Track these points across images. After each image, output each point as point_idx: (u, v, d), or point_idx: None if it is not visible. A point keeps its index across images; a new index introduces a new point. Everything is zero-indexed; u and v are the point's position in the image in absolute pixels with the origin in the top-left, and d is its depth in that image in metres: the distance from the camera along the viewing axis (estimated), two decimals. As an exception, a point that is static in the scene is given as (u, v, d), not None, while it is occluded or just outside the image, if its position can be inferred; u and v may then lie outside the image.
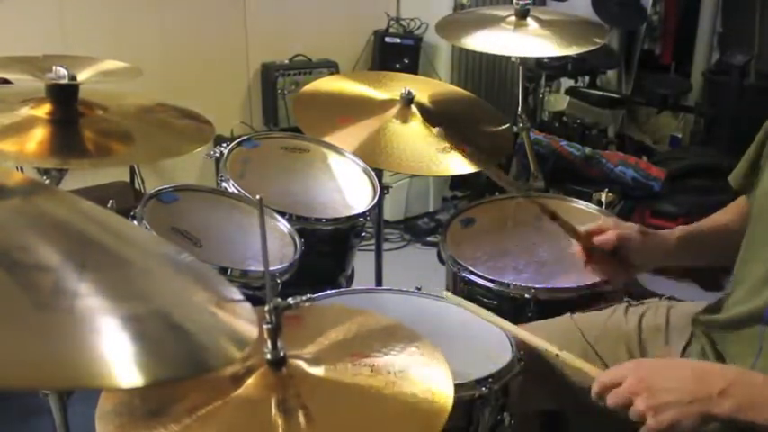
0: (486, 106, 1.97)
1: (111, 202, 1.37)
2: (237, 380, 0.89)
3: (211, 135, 1.44)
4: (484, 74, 4.08)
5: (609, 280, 1.41)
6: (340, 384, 0.91)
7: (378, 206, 1.81)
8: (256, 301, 0.85)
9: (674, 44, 4.47)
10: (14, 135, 1.24)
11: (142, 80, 1.51)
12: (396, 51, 3.75)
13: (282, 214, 1.57)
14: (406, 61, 3.73)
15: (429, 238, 3.54)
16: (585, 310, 1.41)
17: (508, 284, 1.50)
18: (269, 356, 0.88)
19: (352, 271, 1.82)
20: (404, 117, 1.73)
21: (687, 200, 2.95)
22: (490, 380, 1.12)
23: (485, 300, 1.50)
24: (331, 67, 3.54)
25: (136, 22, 3.09)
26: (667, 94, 4.13)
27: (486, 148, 1.77)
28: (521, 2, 1.91)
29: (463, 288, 1.56)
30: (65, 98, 1.31)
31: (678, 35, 4.45)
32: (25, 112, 1.29)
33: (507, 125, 1.87)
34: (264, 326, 0.87)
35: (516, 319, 1.40)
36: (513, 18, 1.92)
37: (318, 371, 0.91)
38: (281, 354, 0.89)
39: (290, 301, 0.91)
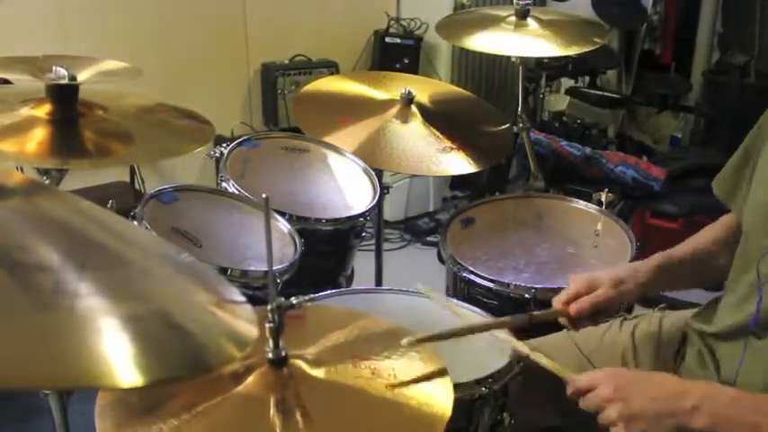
0: (486, 106, 1.97)
1: (111, 202, 1.37)
2: (237, 378, 0.89)
3: (211, 135, 1.44)
4: (484, 74, 4.08)
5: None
6: (340, 386, 0.91)
7: (378, 206, 1.81)
8: (256, 301, 0.85)
9: (674, 44, 4.47)
10: (14, 135, 1.24)
11: (142, 80, 1.51)
12: (396, 51, 3.75)
13: (282, 214, 1.57)
14: (406, 61, 3.73)
15: (429, 238, 3.54)
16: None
17: (508, 284, 1.50)
18: (270, 355, 0.88)
19: (352, 271, 1.82)
20: (404, 117, 1.73)
21: (687, 200, 2.95)
22: (490, 380, 1.12)
23: (485, 300, 1.50)
24: (331, 67, 3.54)
25: (136, 22, 3.09)
26: (667, 94, 4.13)
27: (486, 148, 1.77)
28: (521, 2, 1.91)
29: (463, 288, 1.56)
30: (65, 98, 1.31)
31: (678, 35, 4.45)
32: (25, 112, 1.29)
33: (507, 125, 1.87)
34: (266, 325, 0.87)
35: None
36: (513, 18, 1.92)
37: (319, 372, 0.91)
38: (283, 353, 0.89)
39: (293, 300, 0.91)
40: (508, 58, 2.12)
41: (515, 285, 1.50)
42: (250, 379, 0.88)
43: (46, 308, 0.60)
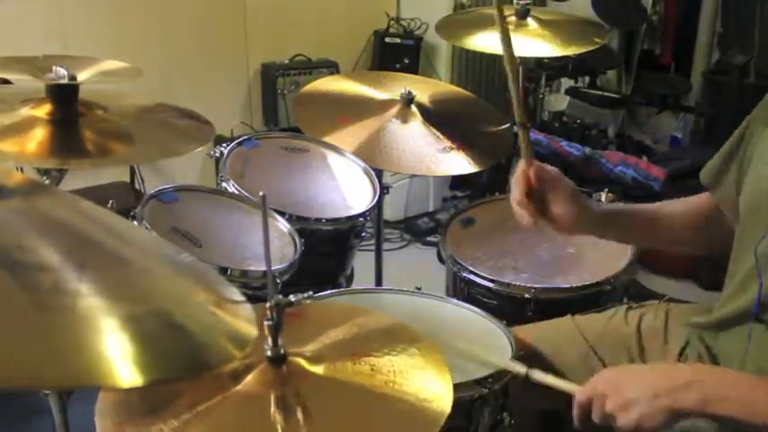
0: (486, 106, 1.97)
1: (111, 202, 1.37)
2: (237, 376, 0.89)
3: (211, 135, 1.44)
4: (484, 74, 4.08)
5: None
6: (340, 383, 0.91)
7: (378, 206, 1.81)
8: (256, 300, 0.85)
9: (674, 44, 4.46)
10: (15, 135, 1.24)
11: (142, 80, 1.51)
12: (396, 51, 3.75)
13: (282, 214, 1.57)
14: (406, 61, 3.73)
15: (429, 238, 3.54)
16: (586, 312, 1.41)
17: (508, 284, 1.50)
18: (269, 353, 0.88)
19: (352, 271, 1.82)
20: (404, 117, 1.73)
21: (687, 200, 2.95)
22: (490, 380, 1.12)
23: (485, 300, 1.50)
24: (331, 67, 3.54)
25: (136, 22, 3.09)
26: (667, 94, 4.13)
27: (486, 148, 1.77)
28: (521, 2, 1.91)
29: (463, 288, 1.57)
30: (65, 98, 1.31)
31: (678, 35, 4.45)
32: (25, 112, 1.29)
33: (507, 125, 1.87)
34: (265, 323, 0.87)
35: (516, 319, 1.41)
36: (513, 18, 1.93)
37: (318, 369, 0.91)
38: (282, 351, 0.89)
39: (292, 298, 0.91)
40: (508, 58, 2.12)
41: (515, 285, 1.50)
42: (250, 377, 0.88)
43: (46, 308, 0.60)
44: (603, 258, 1.63)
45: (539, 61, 3.82)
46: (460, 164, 1.68)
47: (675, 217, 1.35)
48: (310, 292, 0.93)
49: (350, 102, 1.81)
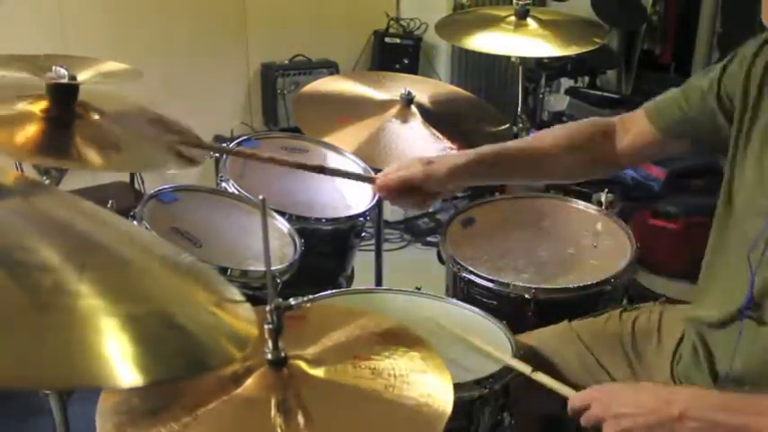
0: (486, 106, 1.97)
1: (111, 202, 1.37)
2: (238, 379, 0.88)
3: (200, 160, 1.40)
4: (484, 74, 4.08)
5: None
6: (340, 386, 0.91)
7: (378, 206, 1.81)
8: (256, 301, 0.85)
9: (674, 44, 4.46)
10: (6, 127, 1.23)
11: (142, 80, 1.51)
12: (396, 51, 3.75)
13: (282, 214, 1.57)
14: (406, 61, 3.73)
15: (429, 238, 3.54)
16: (583, 317, 1.42)
17: (508, 284, 1.50)
18: (269, 356, 0.88)
19: (352, 271, 1.82)
20: (404, 117, 1.73)
21: (687, 200, 2.95)
22: (490, 380, 1.12)
23: (485, 300, 1.50)
24: (331, 67, 3.54)
25: (136, 22, 3.09)
26: (667, 94, 4.12)
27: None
28: (521, 2, 1.91)
29: (463, 288, 1.56)
30: (63, 98, 1.31)
31: (678, 35, 4.45)
32: (21, 106, 1.27)
33: (507, 125, 1.87)
34: (265, 326, 0.87)
35: (516, 319, 1.41)
36: (513, 18, 1.93)
37: (319, 372, 0.91)
38: (282, 354, 0.89)
39: (292, 301, 0.91)
40: (508, 58, 2.13)
41: (515, 285, 1.50)
42: (250, 380, 0.88)
43: (46, 308, 0.60)
44: (603, 259, 1.63)
45: (539, 61, 3.82)
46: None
47: (555, 145, 1.37)
48: (311, 296, 0.93)
49: (350, 102, 1.81)
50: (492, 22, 1.94)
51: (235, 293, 0.79)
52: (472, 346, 1.19)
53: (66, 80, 1.29)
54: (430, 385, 0.93)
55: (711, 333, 1.19)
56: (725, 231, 1.19)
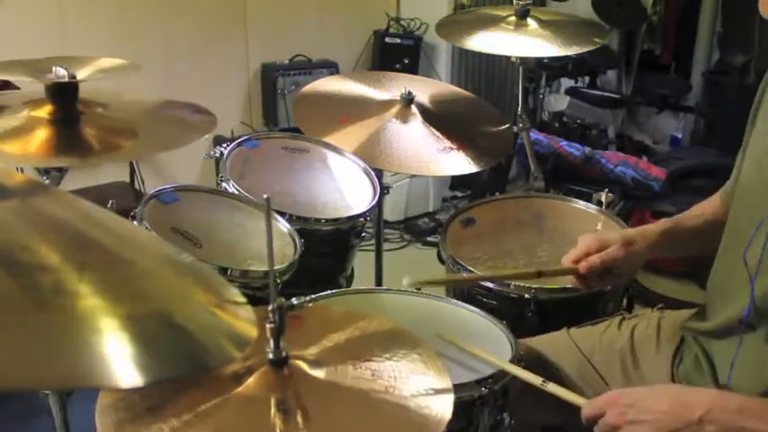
0: (486, 106, 1.97)
1: (111, 202, 1.37)
2: (238, 378, 0.89)
3: (213, 124, 1.43)
4: (484, 74, 4.08)
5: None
6: (340, 387, 0.91)
7: (378, 206, 1.81)
8: (256, 301, 0.85)
9: (674, 44, 4.47)
10: (17, 137, 1.25)
11: (142, 80, 1.51)
12: (396, 51, 3.76)
13: (282, 214, 1.57)
14: (406, 61, 3.74)
15: (429, 238, 3.54)
16: (581, 325, 1.42)
17: (508, 284, 1.50)
18: (271, 356, 0.88)
19: (352, 271, 1.82)
20: (404, 117, 1.73)
21: (687, 200, 2.94)
22: (490, 380, 1.12)
23: (485, 300, 1.50)
24: (331, 67, 3.54)
25: (136, 23, 3.10)
26: (667, 94, 4.13)
27: (486, 148, 1.77)
28: (521, 2, 1.91)
29: (463, 288, 1.56)
30: (64, 97, 1.31)
31: (678, 35, 4.45)
32: (27, 113, 1.29)
33: (507, 125, 1.87)
34: (267, 325, 0.87)
35: (516, 320, 1.41)
36: (513, 18, 1.93)
37: (319, 372, 0.91)
38: (283, 354, 0.89)
39: (294, 301, 0.91)
40: (508, 58, 2.12)
41: (515, 285, 1.50)
42: (251, 380, 0.88)
43: (46, 308, 0.60)
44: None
45: (539, 61, 3.82)
46: (460, 164, 1.68)
47: (718, 214, 1.33)
48: (312, 296, 0.93)
49: (350, 102, 1.81)
50: (492, 22, 1.94)
51: (235, 294, 0.79)
52: (477, 356, 1.18)
53: (65, 79, 1.30)
54: (430, 386, 0.93)
55: (711, 342, 1.19)
56: (727, 232, 1.19)
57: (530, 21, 1.92)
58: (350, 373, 0.93)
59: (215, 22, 3.35)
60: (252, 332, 0.73)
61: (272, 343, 0.88)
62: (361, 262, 1.85)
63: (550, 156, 3.05)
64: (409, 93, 1.74)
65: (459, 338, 1.21)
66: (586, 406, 1.05)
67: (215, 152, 1.72)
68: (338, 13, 3.73)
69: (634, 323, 1.39)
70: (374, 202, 1.74)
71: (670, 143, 4.32)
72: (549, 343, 1.39)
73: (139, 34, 3.10)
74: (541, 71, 3.88)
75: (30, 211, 0.73)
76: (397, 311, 1.33)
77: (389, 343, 1.01)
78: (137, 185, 3.01)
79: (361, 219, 1.69)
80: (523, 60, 2.00)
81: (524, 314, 1.48)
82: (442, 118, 1.76)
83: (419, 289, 1.38)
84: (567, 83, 4.22)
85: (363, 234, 1.75)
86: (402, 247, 3.53)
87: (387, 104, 1.76)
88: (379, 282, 2.04)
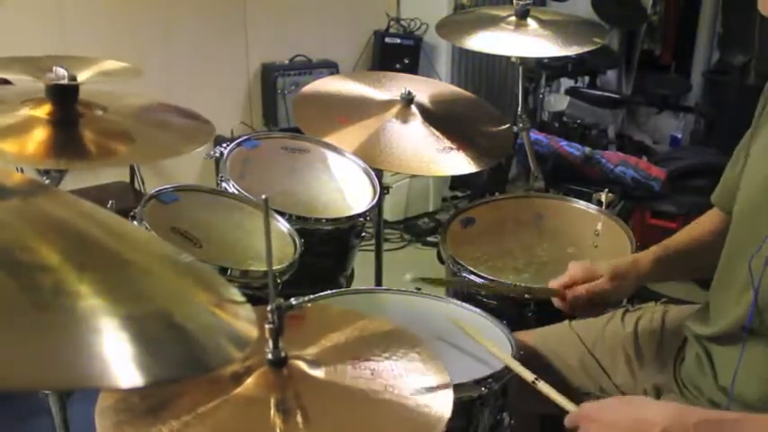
0: (486, 106, 1.97)
1: (111, 202, 1.37)
2: (237, 378, 0.89)
3: (211, 135, 1.44)
4: (484, 74, 4.08)
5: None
6: (339, 387, 0.91)
7: (378, 206, 1.81)
8: (257, 301, 0.85)
9: (674, 44, 4.47)
10: (14, 135, 1.24)
11: (143, 80, 1.51)
12: (396, 51, 3.76)
13: (282, 214, 1.57)
14: (406, 61, 3.74)
15: (429, 238, 3.54)
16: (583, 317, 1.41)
17: (508, 285, 1.50)
18: (270, 356, 0.88)
19: (352, 271, 1.82)
20: (404, 117, 1.73)
21: (687, 200, 2.95)
22: (490, 380, 1.12)
23: (484, 300, 1.50)
24: (331, 68, 3.54)
25: (136, 23, 3.09)
26: (667, 94, 4.13)
27: (486, 148, 1.77)
28: (521, 2, 1.91)
29: (463, 288, 1.56)
30: (65, 98, 1.31)
31: (678, 35, 4.45)
32: (25, 112, 1.29)
33: (507, 125, 1.87)
34: (266, 326, 0.87)
35: (516, 320, 1.41)
36: (513, 18, 1.92)
37: (319, 372, 0.91)
38: (282, 354, 0.89)
39: (293, 301, 0.91)
40: (508, 58, 2.12)
41: (515, 285, 1.49)
42: (250, 380, 0.88)
43: (46, 308, 0.60)
44: (603, 258, 1.62)
45: (539, 61, 3.82)
46: (460, 164, 1.68)
47: (706, 236, 1.34)
48: (311, 296, 0.93)
49: (350, 102, 1.81)
50: (492, 22, 1.94)
51: (235, 294, 0.79)
52: (477, 343, 1.19)
53: (66, 81, 1.29)
54: (429, 385, 0.93)
55: (713, 346, 1.19)
56: (731, 240, 1.18)
57: (530, 21, 1.92)
58: (349, 373, 0.93)
59: (215, 22, 3.35)
60: (252, 332, 0.73)
61: (270, 343, 0.88)
62: (361, 262, 1.85)
63: (550, 156, 3.05)
64: (409, 93, 1.74)
65: (460, 337, 1.21)
66: (567, 418, 1.06)
67: (215, 152, 1.72)
68: (338, 13, 3.73)
69: (638, 315, 1.38)
70: (374, 202, 1.74)
71: (670, 143, 4.32)
72: (551, 334, 1.39)
73: (139, 34, 3.10)
74: (541, 71, 3.88)
75: (30, 211, 0.73)
76: (397, 311, 1.33)
77: (389, 342, 1.01)
78: (137, 185, 3.01)
79: (361, 219, 1.69)
80: (523, 60, 2.00)
81: (524, 314, 1.48)
82: (441, 118, 1.76)
83: (419, 289, 1.38)
84: (566, 83, 4.22)
85: (363, 234, 1.75)
86: (402, 247, 3.53)
87: (387, 104, 1.76)
88: (379, 282, 2.04)
